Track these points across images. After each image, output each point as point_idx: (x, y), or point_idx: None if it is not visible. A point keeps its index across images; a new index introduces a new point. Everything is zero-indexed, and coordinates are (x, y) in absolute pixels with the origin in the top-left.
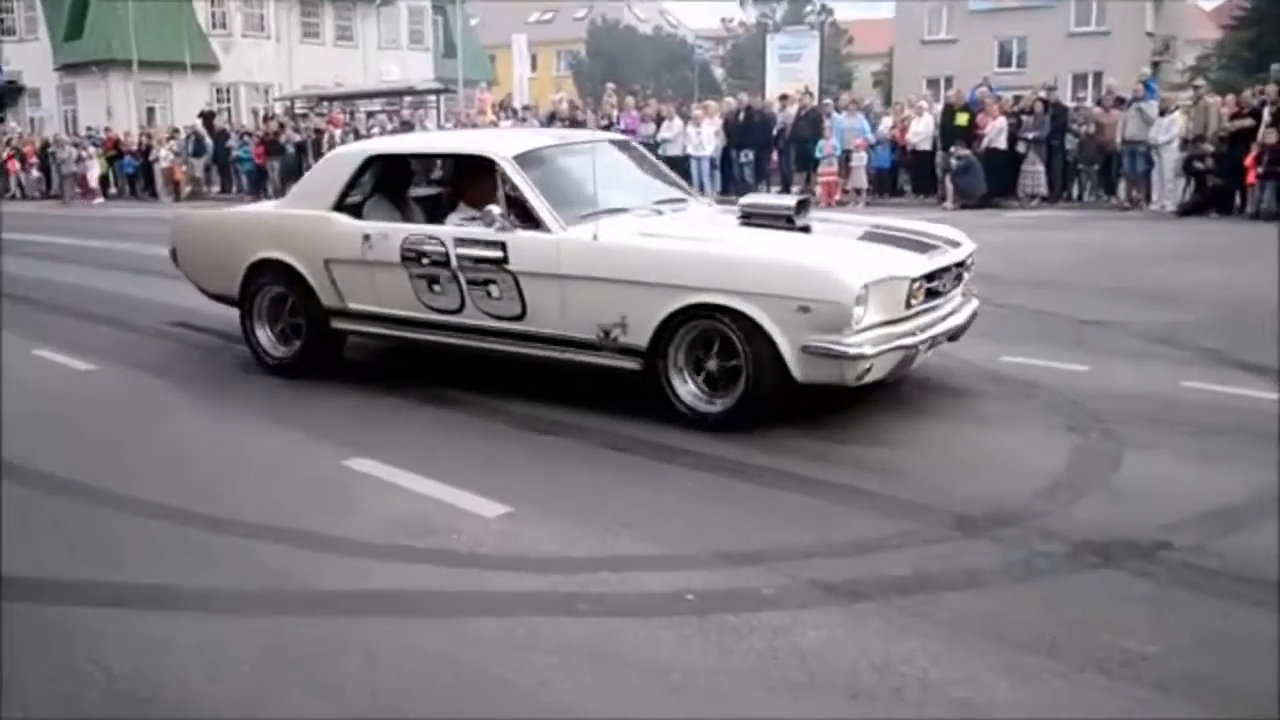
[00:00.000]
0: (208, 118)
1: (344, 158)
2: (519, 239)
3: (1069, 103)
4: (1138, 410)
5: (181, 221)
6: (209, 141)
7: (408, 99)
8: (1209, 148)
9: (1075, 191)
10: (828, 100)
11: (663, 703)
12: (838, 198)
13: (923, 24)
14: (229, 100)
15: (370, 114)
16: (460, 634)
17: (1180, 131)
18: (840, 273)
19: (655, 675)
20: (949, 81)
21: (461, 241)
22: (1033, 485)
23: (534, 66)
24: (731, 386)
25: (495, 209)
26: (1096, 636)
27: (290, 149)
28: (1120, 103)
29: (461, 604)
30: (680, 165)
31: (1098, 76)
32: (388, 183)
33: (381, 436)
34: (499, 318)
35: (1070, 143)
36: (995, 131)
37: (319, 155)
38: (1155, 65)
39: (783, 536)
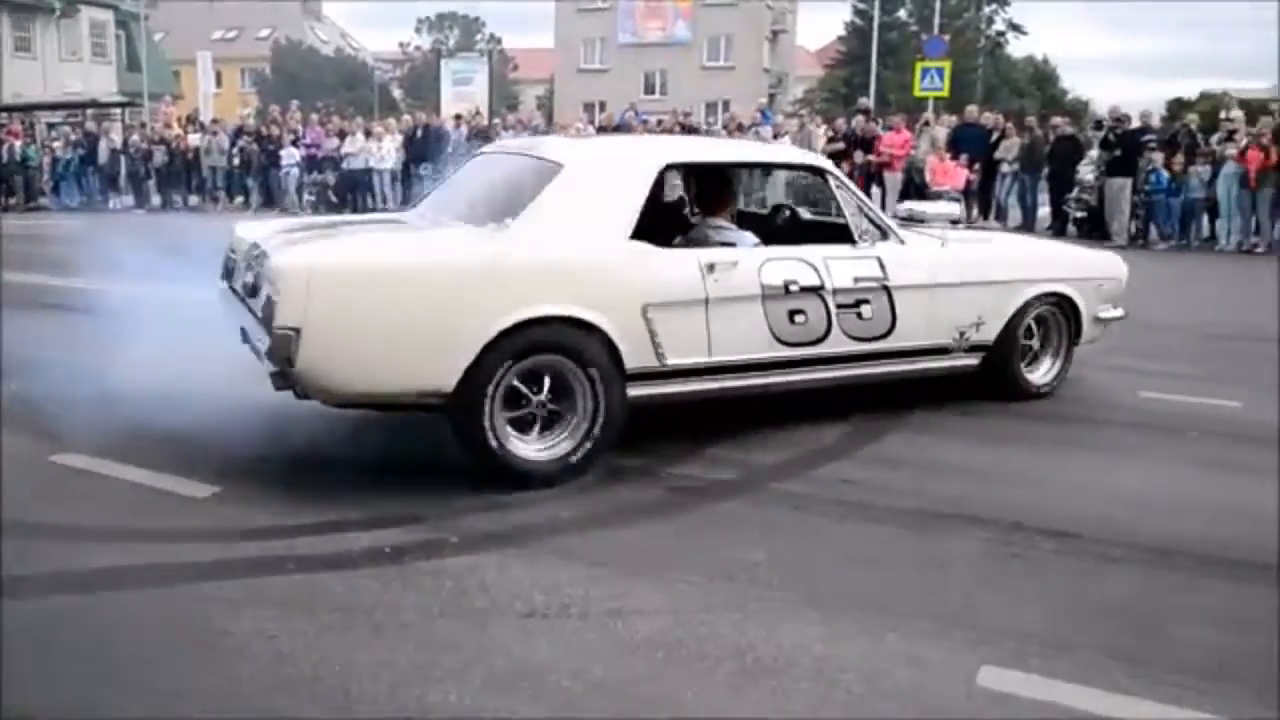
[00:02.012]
0: None
1: (635, 166)
2: (892, 253)
3: (702, 126)
4: None
5: (331, 276)
6: None
7: (90, 111)
8: None
9: None
10: (497, 120)
11: (367, 639)
12: None
13: (579, 54)
14: None
15: (51, 126)
16: (180, 598)
17: None
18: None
19: (359, 616)
20: (603, 106)
21: (835, 260)
22: (670, 441)
23: (219, 82)
24: (1039, 361)
25: (863, 222)
26: (721, 553)
27: None
28: (742, 128)
29: (178, 573)
30: (363, 178)
31: (726, 104)
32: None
33: (84, 429)
34: (863, 339)
35: None
36: None
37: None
38: (772, 97)
39: (468, 496)
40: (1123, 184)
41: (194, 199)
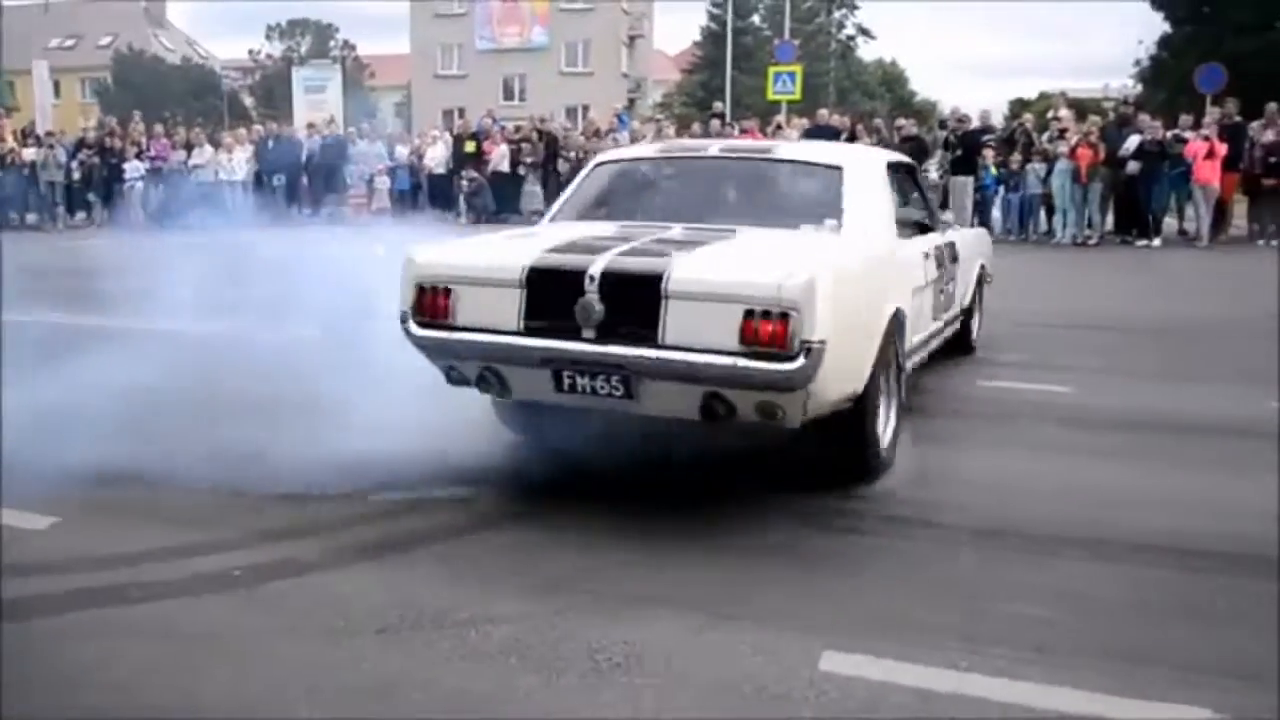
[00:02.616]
0: None
1: (878, 166)
2: (957, 235)
3: (560, 132)
4: None
5: (842, 286)
6: None
7: None
8: None
9: None
10: (351, 129)
11: (215, 664)
12: (365, 216)
13: (436, 60)
14: None
15: None
16: (20, 632)
17: None
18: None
19: (206, 642)
20: (461, 112)
21: (944, 245)
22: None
23: (57, 93)
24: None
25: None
26: (573, 556)
27: None
28: (599, 133)
29: (17, 608)
30: (213, 191)
31: (586, 109)
32: None
33: None
34: (945, 311)
35: (563, 167)
36: (499, 157)
37: None
38: (631, 101)
39: (321, 509)
40: (965, 182)
41: (32, 216)
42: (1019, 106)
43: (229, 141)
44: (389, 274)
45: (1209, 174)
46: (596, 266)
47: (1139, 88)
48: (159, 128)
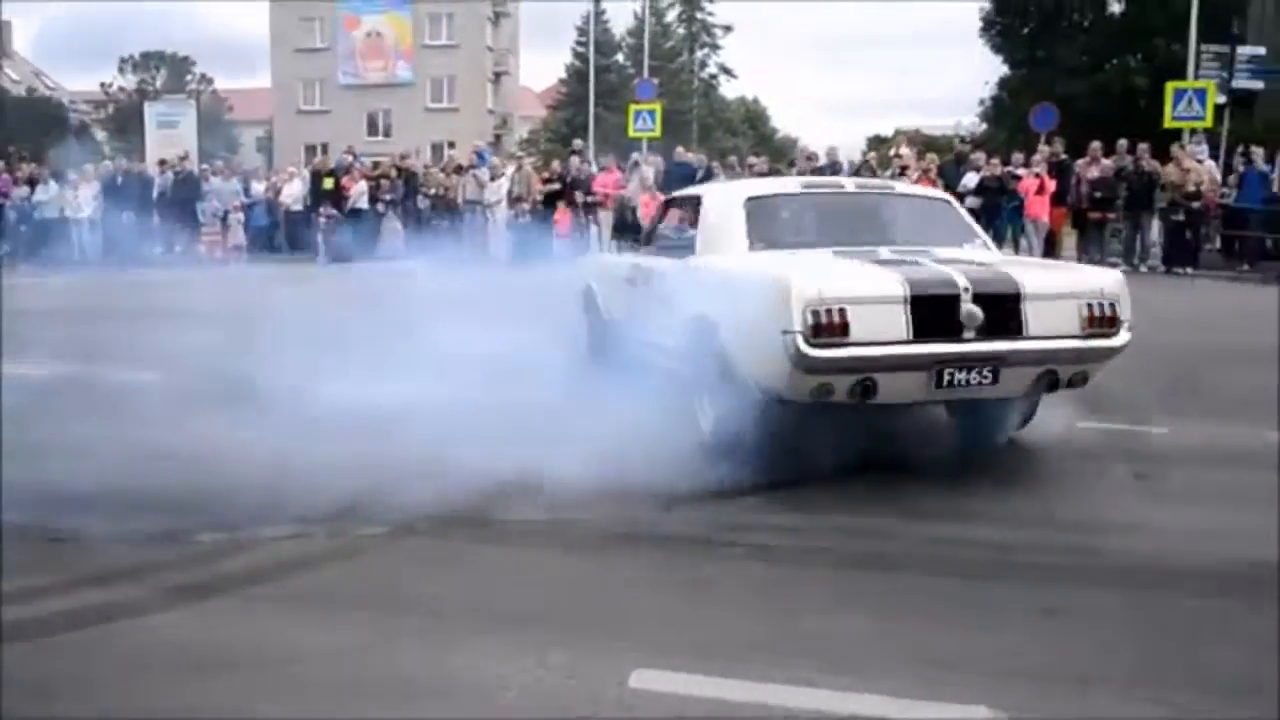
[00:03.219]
0: None
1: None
2: None
3: (420, 170)
4: None
5: None
6: None
7: None
8: (526, 206)
9: None
10: (205, 165)
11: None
12: (219, 254)
13: (298, 95)
14: None
15: None
16: None
17: (506, 193)
18: None
19: (30, 687)
20: (325, 147)
21: None
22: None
23: None
24: None
25: None
26: (401, 588)
27: None
28: (461, 169)
29: None
30: (58, 228)
31: (452, 145)
32: None
33: None
34: None
35: (422, 203)
36: (358, 194)
37: None
38: (498, 137)
39: (144, 553)
40: None
41: None
42: (875, 143)
43: (75, 178)
44: None
45: (1039, 208)
46: (962, 282)
47: (984, 126)
48: (0, 162)
